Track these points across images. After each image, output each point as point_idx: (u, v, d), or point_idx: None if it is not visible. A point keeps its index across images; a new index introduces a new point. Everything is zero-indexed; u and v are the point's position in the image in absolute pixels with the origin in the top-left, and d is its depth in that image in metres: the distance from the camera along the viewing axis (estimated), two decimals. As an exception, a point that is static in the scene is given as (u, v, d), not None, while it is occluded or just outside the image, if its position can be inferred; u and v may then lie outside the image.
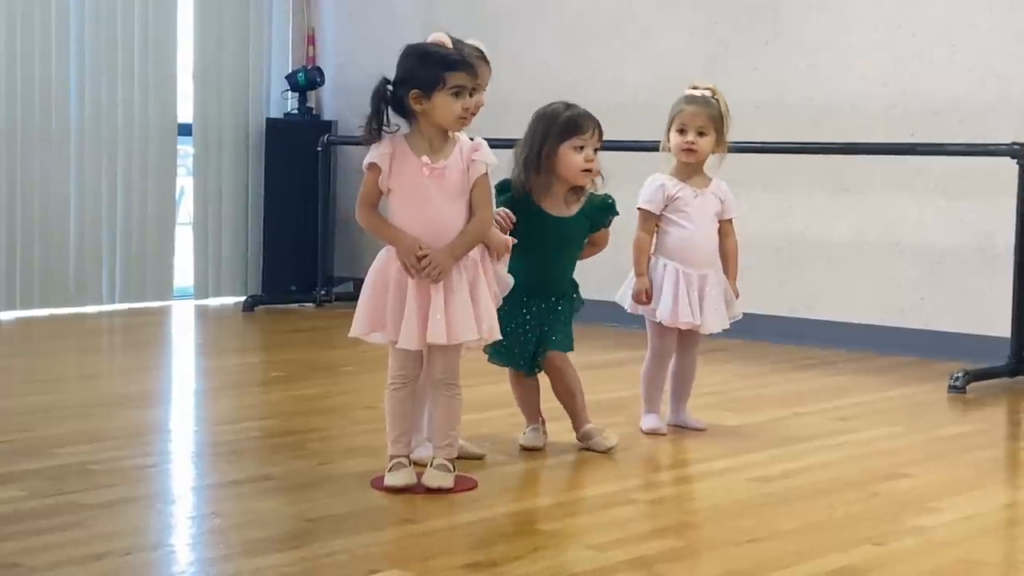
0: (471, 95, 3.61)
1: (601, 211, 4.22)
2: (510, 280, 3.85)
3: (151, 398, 5.24)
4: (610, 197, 4.23)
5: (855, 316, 6.51)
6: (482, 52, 3.91)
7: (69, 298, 7.47)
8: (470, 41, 3.84)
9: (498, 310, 3.75)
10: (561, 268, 4.21)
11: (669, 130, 4.47)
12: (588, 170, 4.13)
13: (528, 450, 4.17)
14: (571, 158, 4.10)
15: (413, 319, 3.56)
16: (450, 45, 3.63)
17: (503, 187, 4.15)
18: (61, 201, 7.43)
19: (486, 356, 4.15)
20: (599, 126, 4.16)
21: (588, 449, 4.17)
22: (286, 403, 5.05)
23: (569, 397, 4.23)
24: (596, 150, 4.15)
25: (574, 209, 4.17)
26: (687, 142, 4.44)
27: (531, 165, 4.12)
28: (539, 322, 4.16)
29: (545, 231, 4.12)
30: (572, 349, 4.20)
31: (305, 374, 5.69)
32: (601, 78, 7.19)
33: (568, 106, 4.17)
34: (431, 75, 3.55)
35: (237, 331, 7.19)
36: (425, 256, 3.55)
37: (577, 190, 4.16)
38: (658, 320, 4.44)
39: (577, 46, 7.33)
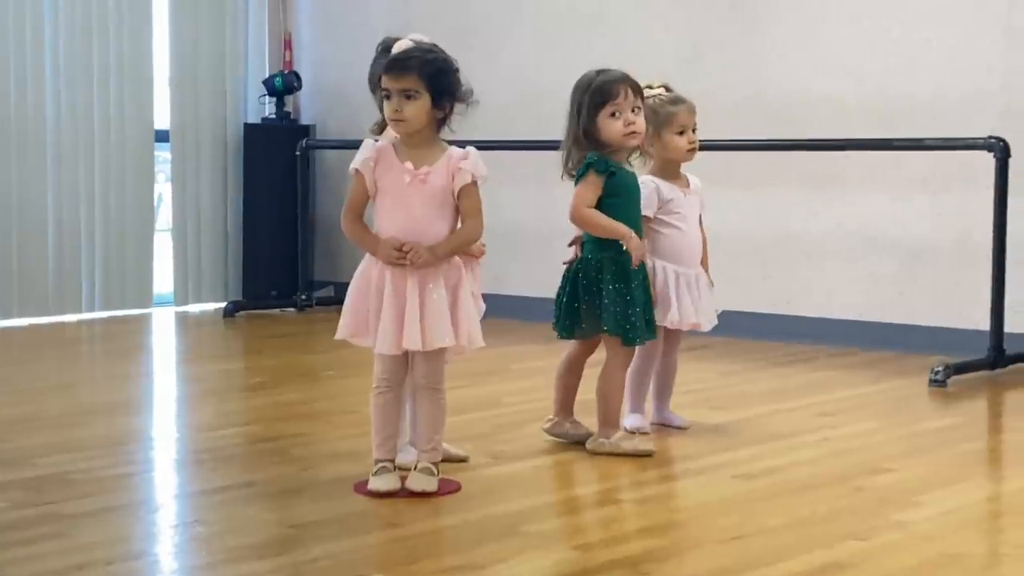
0: (410, 98, 3.56)
1: None
2: (482, 306, 3.83)
3: (132, 406, 5.22)
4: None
5: (835, 312, 6.52)
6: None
7: (48, 307, 7.44)
8: (413, 36, 3.72)
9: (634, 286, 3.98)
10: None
11: (657, 134, 4.34)
12: (631, 133, 4.07)
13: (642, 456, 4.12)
14: (610, 126, 4.06)
15: (388, 325, 3.56)
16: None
17: (588, 163, 4.08)
18: (38, 209, 7.39)
19: (627, 338, 4.09)
20: (632, 84, 4.09)
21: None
22: (268, 409, 5.03)
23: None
24: (636, 109, 4.08)
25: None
26: (692, 142, 4.43)
27: (580, 142, 4.08)
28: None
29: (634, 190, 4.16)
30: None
31: (287, 379, 5.68)
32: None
33: (599, 72, 4.11)
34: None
35: (218, 337, 7.16)
36: (404, 244, 3.55)
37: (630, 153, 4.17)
38: (666, 324, 4.37)
39: (554, 46, 7.32)
